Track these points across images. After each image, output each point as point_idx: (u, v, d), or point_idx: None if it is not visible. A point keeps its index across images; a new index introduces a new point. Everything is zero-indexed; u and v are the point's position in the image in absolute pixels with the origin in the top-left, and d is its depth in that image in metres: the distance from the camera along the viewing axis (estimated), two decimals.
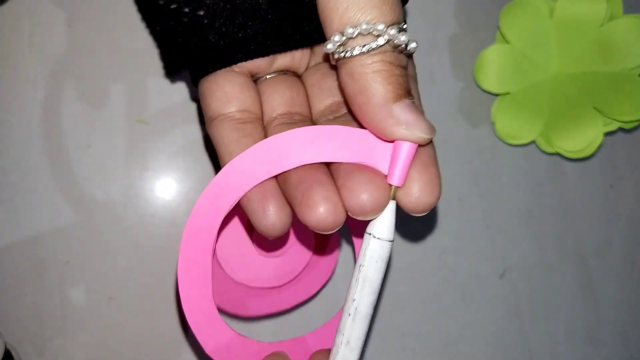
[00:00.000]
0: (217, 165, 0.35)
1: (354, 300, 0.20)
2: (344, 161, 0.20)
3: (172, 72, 0.26)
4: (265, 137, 0.23)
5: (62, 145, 0.33)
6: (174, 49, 0.24)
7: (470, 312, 0.39)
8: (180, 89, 0.34)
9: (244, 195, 0.21)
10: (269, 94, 0.24)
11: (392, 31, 0.19)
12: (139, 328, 0.34)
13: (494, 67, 0.38)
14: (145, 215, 0.34)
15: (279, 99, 0.24)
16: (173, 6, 0.22)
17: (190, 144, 0.34)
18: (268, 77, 0.25)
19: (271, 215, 0.21)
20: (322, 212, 0.19)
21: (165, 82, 0.34)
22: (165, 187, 0.34)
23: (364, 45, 0.19)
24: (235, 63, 0.23)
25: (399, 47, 0.19)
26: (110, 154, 0.33)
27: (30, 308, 0.33)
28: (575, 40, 0.37)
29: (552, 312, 0.41)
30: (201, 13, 0.22)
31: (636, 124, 0.38)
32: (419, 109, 0.21)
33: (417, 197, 0.20)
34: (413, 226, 0.38)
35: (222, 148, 0.23)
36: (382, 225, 0.20)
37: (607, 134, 0.39)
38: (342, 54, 0.19)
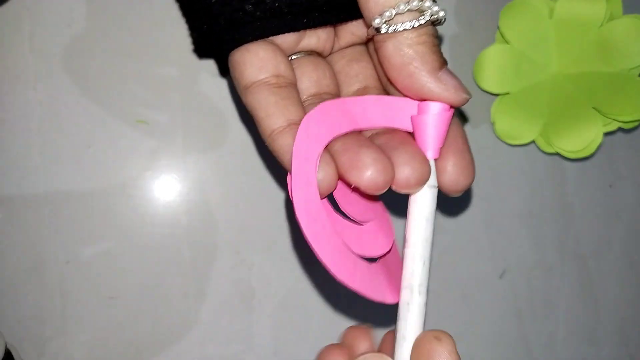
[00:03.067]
0: (217, 165, 0.35)
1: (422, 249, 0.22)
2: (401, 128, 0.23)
3: (202, 53, 0.27)
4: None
5: (63, 146, 0.33)
6: (206, 24, 0.24)
7: (470, 312, 0.39)
8: (181, 89, 0.34)
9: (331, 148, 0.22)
10: (297, 74, 0.24)
11: (435, 7, 0.20)
12: (139, 328, 0.34)
13: (493, 67, 0.38)
14: (145, 215, 0.34)
15: (307, 81, 0.25)
16: None
17: (190, 144, 0.34)
18: (294, 57, 0.25)
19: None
20: (372, 173, 0.20)
21: (166, 83, 0.34)
22: (166, 187, 0.34)
23: (412, 20, 0.20)
24: (269, 35, 0.23)
25: (436, 20, 0.21)
26: (111, 154, 0.33)
27: (30, 308, 0.33)
28: (575, 41, 0.37)
29: (552, 311, 0.41)
30: None
31: (636, 124, 0.38)
32: (457, 78, 0.23)
33: (455, 179, 0.22)
34: None
35: (261, 112, 0.22)
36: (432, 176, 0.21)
37: (607, 134, 0.39)
38: (390, 29, 0.21)
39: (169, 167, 0.34)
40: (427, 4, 0.20)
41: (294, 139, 0.21)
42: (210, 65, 0.34)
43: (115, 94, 0.33)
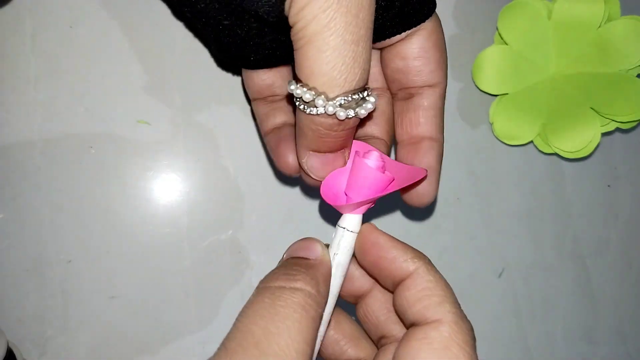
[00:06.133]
0: (217, 165, 0.35)
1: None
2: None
3: (220, 66, 0.34)
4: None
5: (64, 146, 0.33)
6: (216, 46, 0.29)
7: (469, 311, 0.39)
8: (181, 90, 0.34)
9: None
10: None
11: (330, 108, 0.21)
12: (140, 327, 0.34)
13: (492, 68, 0.38)
14: (146, 215, 0.34)
15: None
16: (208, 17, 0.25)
17: (191, 144, 0.34)
18: None
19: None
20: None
21: (167, 84, 0.34)
22: (167, 187, 0.34)
23: (304, 106, 0.22)
24: (256, 68, 0.28)
25: (338, 116, 0.22)
26: (112, 155, 0.33)
27: (32, 307, 0.33)
28: (573, 42, 0.38)
29: (550, 311, 0.41)
30: (226, 23, 0.25)
31: (634, 124, 0.38)
32: (335, 161, 0.25)
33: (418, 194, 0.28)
34: (412, 226, 0.38)
35: (258, 121, 0.30)
36: (352, 220, 0.24)
37: (605, 134, 0.40)
38: (295, 99, 0.22)
39: (169, 167, 0.34)
40: (319, 102, 0.21)
41: (274, 135, 0.28)
42: (210, 66, 0.34)
43: (117, 94, 0.33)
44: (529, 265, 0.40)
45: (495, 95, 0.40)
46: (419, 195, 0.28)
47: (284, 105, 0.29)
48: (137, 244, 0.34)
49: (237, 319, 0.19)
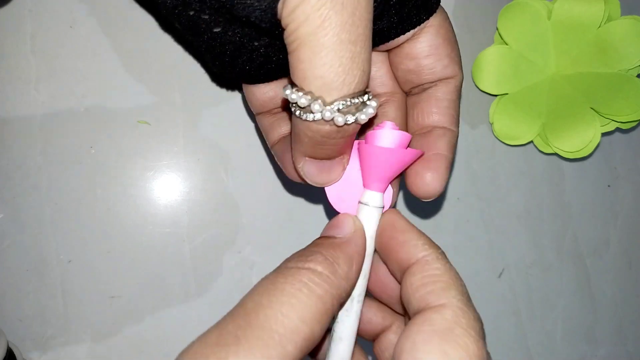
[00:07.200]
0: (217, 165, 0.35)
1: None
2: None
3: (218, 83, 0.33)
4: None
5: (64, 146, 0.33)
6: (211, 59, 0.27)
7: None
8: (182, 90, 0.34)
9: None
10: None
11: (327, 113, 0.20)
12: (140, 327, 0.34)
13: (492, 68, 0.38)
14: (147, 214, 0.34)
15: None
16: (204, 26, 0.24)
17: (191, 144, 0.34)
18: None
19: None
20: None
21: (167, 84, 0.34)
22: (167, 187, 0.34)
23: (301, 112, 0.21)
24: (254, 82, 0.27)
25: (336, 122, 0.20)
26: (112, 155, 0.33)
27: (32, 307, 0.33)
28: (573, 42, 0.38)
29: (550, 310, 0.41)
30: (216, 30, 0.24)
31: (634, 124, 0.38)
32: (332, 168, 0.24)
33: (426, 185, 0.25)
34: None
35: (264, 133, 0.29)
36: (376, 196, 0.24)
37: (605, 134, 0.40)
38: (290, 104, 0.21)
39: (170, 167, 0.34)
40: (316, 107, 0.20)
41: (282, 143, 0.27)
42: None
43: (117, 94, 0.33)
44: (528, 265, 0.40)
45: (495, 95, 0.40)
46: (424, 184, 0.25)
47: (289, 116, 0.28)
48: (137, 244, 0.34)
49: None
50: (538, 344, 0.40)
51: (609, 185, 0.42)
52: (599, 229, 0.42)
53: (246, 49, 0.25)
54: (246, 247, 0.35)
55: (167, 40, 0.34)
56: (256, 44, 0.24)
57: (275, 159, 0.29)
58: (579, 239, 0.41)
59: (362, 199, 0.24)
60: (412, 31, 0.26)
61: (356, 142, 0.24)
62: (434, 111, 0.26)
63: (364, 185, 0.24)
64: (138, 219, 0.34)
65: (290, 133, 0.24)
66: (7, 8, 0.32)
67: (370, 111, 0.21)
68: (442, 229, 0.39)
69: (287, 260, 0.20)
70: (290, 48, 0.20)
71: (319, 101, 0.20)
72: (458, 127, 0.27)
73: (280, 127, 0.28)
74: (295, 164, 0.24)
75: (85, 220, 0.33)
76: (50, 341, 0.33)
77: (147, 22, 0.34)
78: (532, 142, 0.40)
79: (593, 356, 0.42)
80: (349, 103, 0.20)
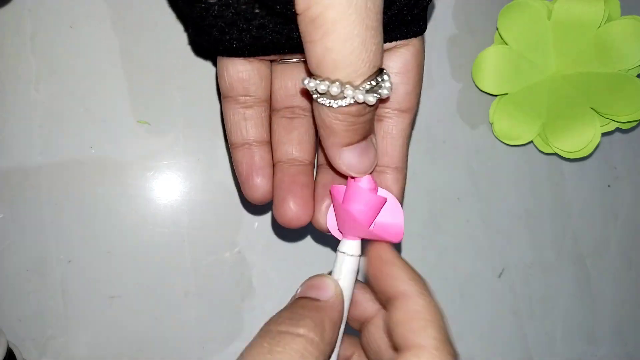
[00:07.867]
0: (217, 165, 0.35)
1: None
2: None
3: (196, 52, 0.31)
4: (270, 121, 0.27)
5: (64, 146, 0.33)
6: (195, 29, 0.26)
7: (469, 311, 0.39)
8: (182, 90, 0.34)
9: None
10: (276, 82, 0.27)
11: (360, 95, 0.20)
12: (140, 327, 0.34)
13: (492, 68, 0.38)
14: (147, 214, 0.34)
15: (283, 92, 0.27)
16: None
17: (191, 144, 0.34)
18: (280, 62, 0.27)
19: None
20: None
21: (167, 83, 0.34)
22: (167, 187, 0.34)
23: (331, 101, 0.21)
24: (236, 56, 0.26)
25: (362, 102, 0.21)
26: (112, 155, 0.33)
27: (32, 307, 0.33)
28: (573, 42, 0.38)
29: (550, 311, 0.41)
30: (212, 1, 0.23)
31: (634, 124, 0.38)
32: (368, 151, 0.24)
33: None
34: (412, 226, 0.38)
35: (227, 126, 0.27)
36: (352, 245, 0.24)
37: (605, 134, 0.40)
38: (315, 96, 0.21)
39: (170, 167, 0.34)
40: (348, 92, 0.20)
41: (245, 156, 0.27)
42: (211, 65, 0.34)
43: (117, 94, 0.33)
44: (528, 265, 0.40)
45: (495, 95, 0.40)
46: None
47: (256, 114, 0.27)
48: (137, 244, 0.34)
49: None
50: (538, 344, 0.40)
51: (609, 185, 0.42)
52: (599, 229, 0.42)
53: (240, 24, 0.24)
54: (246, 247, 0.35)
55: (167, 40, 0.34)
56: (250, 22, 0.24)
57: (234, 164, 0.27)
58: (579, 239, 0.41)
59: (340, 248, 0.24)
60: (393, 43, 0.25)
61: (333, 187, 0.25)
62: (388, 150, 0.27)
63: (341, 232, 0.25)
64: (138, 219, 0.34)
65: (317, 134, 0.24)
66: (7, 8, 0.32)
67: (387, 84, 0.21)
68: (442, 229, 0.39)
69: (277, 323, 0.20)
70: (312, 36, 0.19)
71: (349, 86, 0.20)
72: (407, 162, 0.28)
73: (246, 129, 0.27)
74: (335, 160, 0.24)
75: (85, 220, 0.33)
76: (50, 341, 0.33)
77: (147, 21, 0.34)
78: (532, 142, 0.40)
79: (593, 356, 0.42)
80: (374, 83, 0.20)
